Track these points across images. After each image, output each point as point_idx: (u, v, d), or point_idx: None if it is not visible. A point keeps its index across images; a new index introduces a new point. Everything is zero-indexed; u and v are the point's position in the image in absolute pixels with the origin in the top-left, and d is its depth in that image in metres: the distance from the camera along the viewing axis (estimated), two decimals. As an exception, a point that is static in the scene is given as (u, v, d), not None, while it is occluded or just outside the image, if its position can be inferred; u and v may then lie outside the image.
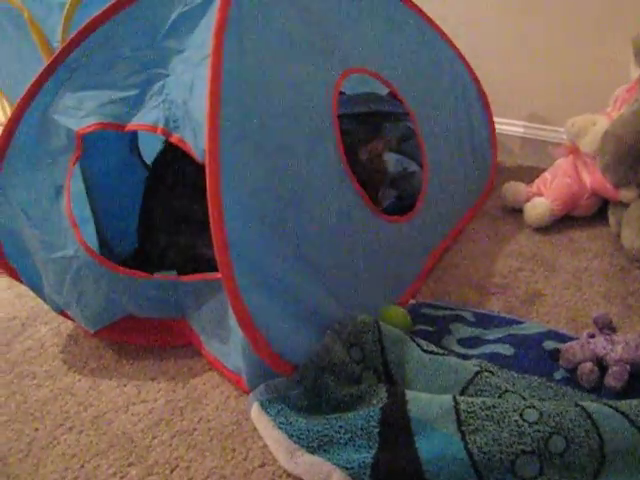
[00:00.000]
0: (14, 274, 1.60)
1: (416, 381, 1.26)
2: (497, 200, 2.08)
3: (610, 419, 1.07)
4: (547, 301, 1.59)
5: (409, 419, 1.13)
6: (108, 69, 1.42)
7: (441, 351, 1.32)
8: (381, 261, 1.54)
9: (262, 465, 1.21)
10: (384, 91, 2.14)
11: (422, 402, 1.16)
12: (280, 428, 1.19)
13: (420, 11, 1.91)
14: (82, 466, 1.26)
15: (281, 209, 1.28)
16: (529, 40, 2.19)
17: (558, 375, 1.32)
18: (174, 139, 1.32)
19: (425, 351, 1.30)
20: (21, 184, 1.49)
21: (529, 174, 2.16)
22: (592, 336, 1.37)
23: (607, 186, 1.81)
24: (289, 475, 1.18)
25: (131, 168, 1.93)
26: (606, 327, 1.40)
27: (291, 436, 1.18)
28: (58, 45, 1.56)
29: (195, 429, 1.32)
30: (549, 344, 1.39)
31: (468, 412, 1.11)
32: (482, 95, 2.16)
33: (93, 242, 1.57)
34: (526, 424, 1.07)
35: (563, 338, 1.40)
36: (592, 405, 1.10)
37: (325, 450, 1.15)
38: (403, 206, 1.74)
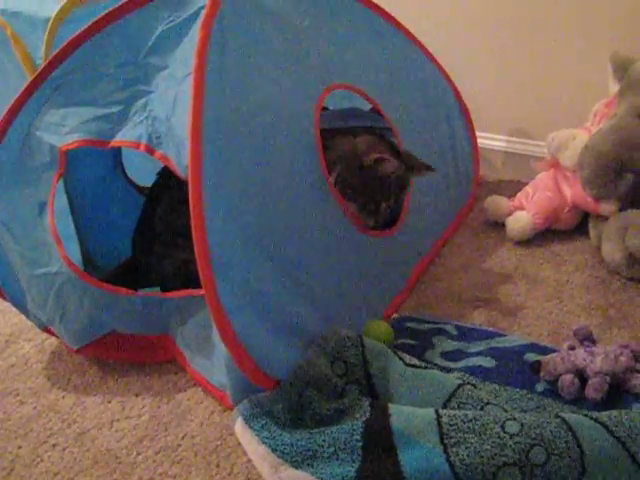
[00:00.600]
0: (-3, 291, 1.60)
1: (399, 395, 1.27)
2: (479, 214, 2.10)
3: (590, 430, 1.08)
4: (529, 314, 1.60)
5: (392, 432, 1.14)
6: (91, 86, 1.42)
7: (424, 364, 1.32)
8: (364, 276, 1.55)
9: (246, 480, 1.22)
10: (367, 107, 2.15)
11: (405, 415, 1.16)
12: (264, 443, 1.20)
13: (404, 28, 1.92)
14: (66, 483, 1.26)
15: (264, 225, 1.29)
16: (510, 55, 2.21)
17: (539, 387, 1.33)
18: (157, 155, 1.33)
19: (408, 365, 1.31)
20: (4, 200, 1.49)
21: (511, 188, 2.17)
22: (572, 348, 1.38)
23: (587, 200, 1.83)
24: (273, 489, 1.18)
25: (115, 184, 1.93)
26: (586, 339, 1.41)
27: (275, 451, 1.18)
28: (41, 62, 1.56)
29: (179, 445, 1.32)
30: (530, 356, 1.40)
31: (450, 425, 1.12)
32: (464, 110, 2.17)
33: (77, 258, 1.57)
34: (507, 436, 1.08)
35: (544, 350, 1.42)
36: (572, 416, 1.11)
37: (309, 464, 1.15)
38: (386, 221, 1.75)
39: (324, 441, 1.17)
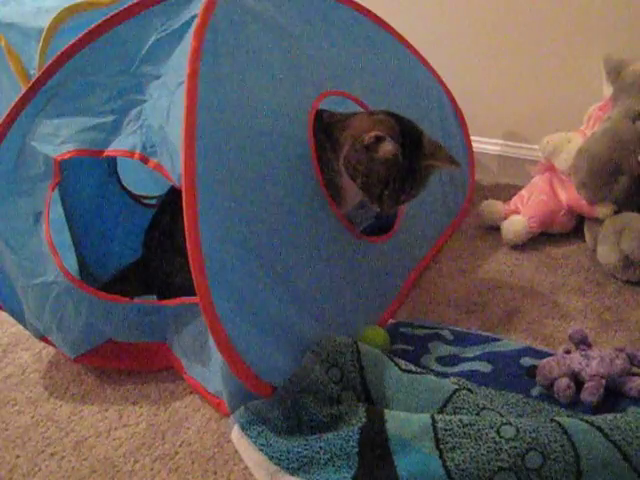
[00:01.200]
0: (-6, 301, 1.61)
1: (395, 400, 1.27)
2: (475, 218, 2.10)
3: (586, 434, 1.08)
4: (524, 318, 1.61)
5: (388, 438, 1.15)
6: (85, 96, 1.43)
7: (419, 370, 1.33)
8: (360, 282, 1.56)
9: (243, 487, 1.22)
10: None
11: (400, 421, 1.17)
12: (261, 450, 1.20)
13: (397, 34, 1.93)
14: (63, 492, 1.26)
15: (259, 233, 1.29)
16: (505, 60, 2.22)
17: (535, 391, 1.34)
18: (151, 164, 1.33)
19: (404, 370, 1.31)
20: (0, 211, 1.50)
21: (506, 192, 2.18)
22: (568, 352, 1.39)
23: (582, 203, 1.84)
24: (270, 497, 1.18)
25: (110, 192, 1.93)
26: (582, 343, 1.41)
27: (271, 458, 1.18)
28: (35, 72, 1.57)
29: (177, 453, 1.32)
30: (526, 361, 1.41)
31: (446, 430, 1.12)
32: (459, 114, 2.18)
33: (73, 267, 1.57)
34: (503, 440, 1.08)
35: (540, 354, 1.42)
36: (568, 420, 1.12)
37: (305, 471, 1.16)
38: (382, 226, 1.75)
39: (320, 447, 1.17)
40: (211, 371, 1.37)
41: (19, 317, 1.61)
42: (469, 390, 1.29)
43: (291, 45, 1.52)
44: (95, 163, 1.79)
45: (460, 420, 1.14)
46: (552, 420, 1.12)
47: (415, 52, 2.01)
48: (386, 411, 1.21)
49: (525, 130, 2.29)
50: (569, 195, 1.91)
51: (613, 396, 1.29)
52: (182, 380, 1.50)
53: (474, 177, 2.26)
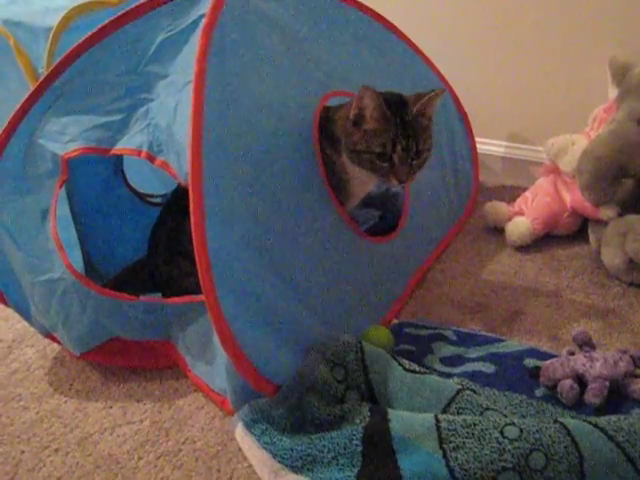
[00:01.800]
0: (0, 297, 1.61)
1: (398, 400, 1.28)
2: (479, 219, 2.10)
3: (589, 435, 1.09)
4: (528, 319, 1.61)
5: (391, 437, 1.15)
6: (93, 94, 1.43)
7: (423, 370, 1.33)
8: (364, 281, 1.56)
9: (247, 485, 1.22)
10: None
11: (404, 420, 1.17)
12: (264, 448, 1.20)
13: (402, 35, 1.93)
14: (68, 488, 1.27)
15: (264, 232, 1.30)
16: (509, 62, 2.22)
17: (539, 392, 1.34)
18: (158, 162, 1.34)
19: (407, 370, 1.31)
20: (7, 208, 1.50)
21: (510, 193, 2.18)
22: (572, 353, 1.39)
23: (587, 205, 1.84)
24: (274, 494, 1.18)
25: (116, 191, 1.94)
26: (586, 344, 1.41)
27: (275, 456, 1.19)
28: (43, 71, 1.57)
29: (180, 450, 1.33)
30: (530, 362, 1.41)
31: (449, 430, 1.13)
32: (463, 116, 2.18)
33: (79, 265, 1.57)
34: (506, 441, 1.09)
35: (543, 356, 1.42)
36: (571, 421, 1.12)
37: (309, 469, 1.16)
38: (386, 227, 1.76)
39: (324, 446, 1.18)
40: (215, 369, 1.37)
41: (25, 314, 1.62)
42: (473, 390, 1.30)
43: (297, 45, 1.53)
44: (101, 161, 1.80)
45: (464, 420, 1.14)
46: (556, 421, 1.12)
47: (420, 54, 2.01)
48: (390, 410, 1.21)
49: (529, 132, 2.29)
50: (573, 197, 1.91)
51: (617, 398, 1.29)
52: (186, 378, 1.51)
53: (478, 178, 2.26)
